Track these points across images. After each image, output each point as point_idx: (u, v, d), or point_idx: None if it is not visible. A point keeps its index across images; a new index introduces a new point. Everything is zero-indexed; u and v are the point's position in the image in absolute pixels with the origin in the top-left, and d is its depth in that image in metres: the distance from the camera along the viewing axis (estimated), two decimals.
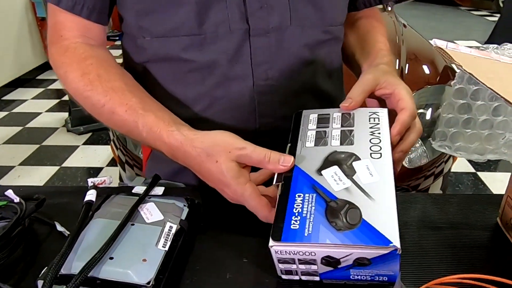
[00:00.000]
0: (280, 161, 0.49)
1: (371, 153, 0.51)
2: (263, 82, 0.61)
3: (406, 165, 1.52)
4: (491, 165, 2.26)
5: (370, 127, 0.54)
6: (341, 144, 0.52)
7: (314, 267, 0.44)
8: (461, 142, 0.68)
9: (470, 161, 2.31)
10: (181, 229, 0.50)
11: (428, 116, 1.69)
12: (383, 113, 0.56)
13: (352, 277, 0.45)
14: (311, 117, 0.58)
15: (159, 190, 0.54)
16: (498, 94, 0.33)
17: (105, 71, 0.57)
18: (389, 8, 2.27)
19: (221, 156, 0.50)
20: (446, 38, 0.52)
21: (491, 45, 0.55)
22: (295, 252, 0.43)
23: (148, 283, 0.41)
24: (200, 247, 0.53)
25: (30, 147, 2.56)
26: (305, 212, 0.45)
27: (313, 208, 0.45)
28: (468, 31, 5.20)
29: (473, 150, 0.69)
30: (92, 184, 0.53)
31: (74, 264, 0.42)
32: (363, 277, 0.45)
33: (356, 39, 0.71)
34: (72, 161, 2.41)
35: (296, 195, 0.47)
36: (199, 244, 0.53)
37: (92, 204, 0.50)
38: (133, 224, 0.48)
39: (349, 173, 0.49)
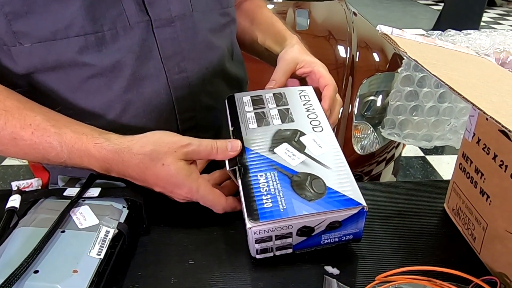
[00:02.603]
0: (228, 148, 0.49)
1: (313, 127, 0.54)
2: (177, 75, 0.57)
3: (358, 152, 1.55)
4: (438, 149, 2.36)
5: (304, 104, 0.58)
6: (283, 122, 0.55)
7: (289, 240, 0.46)
8: (409, 129, 0.69)
9: None
10: (120, 233, 0.46)
11: (379, 103, 1.72)
12: (310, 90, 0.61)
13: (323, 241, 0.47)
14: (244, 100, 0.59)
15: (94, 192, 0.49)
16: (442, 81, 0.32)
17: None
18: None
19: (167, 158, 0.47)
20: (396, 26, 0.51)
21: (435, 32, 0.54)
22: (273, 229, 0.44)
23: None
24: (142, 251, 0.49)
25: None
26: (272, 190, 0.47)
27: (279, 185, 0.47)
28: (415, 20, 5.38)
29: (421, 137, 0.69)
30: (16, 188, 0.47)
31: None
32: (333, 240, 0.48)
33: (253, 23, 0.72)
34: (14, 159, 2.26)
35: (258, 175, 0.48)
36: (142, 247, 0.50)
37: (15, 211, 0.44)
38: (63, 231, 0.43)
39: (300, 148, 0.51)
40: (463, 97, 0.32)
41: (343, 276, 0.47)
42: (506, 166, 0.43)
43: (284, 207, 0.45)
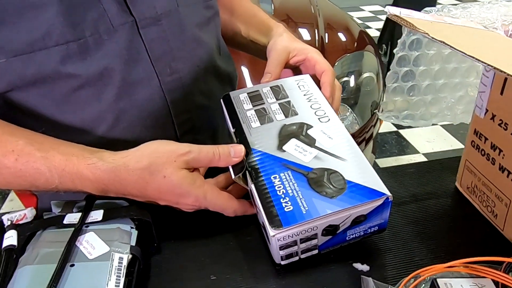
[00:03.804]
0: (231, 153, 0.46)
1: (318, 118, 0.51)
2: (169, 77, 0.53)
3: None
4: None
5: (304, 95, 0.55)
6: (286, 116, 0.52)
7: (314, 241, 0.43)
8: (407, 110, 0.68)
9: None
10: (134, 258, 0.42)
11: (352, 83, 1.72)
12: (308, 78, 0.58)
13: (348, 237, 0.45)
14: (241, 97, 0.56)
15: (97, 215, 0.45)
16: (474, 58, 0.30)
17: None
18: None
19: (167, 169, 0.43)
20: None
21: (433, 8, 0.52)
22: (298, 233, 0.42)
23: None
24: (157, 272, 0.45)
25: None
26: (290, 191, 0.44)
27: (295, 184, 0.44)
28: None
29: (419, 117, 0.68)
30: (9, 222, 0.42)
31: None
32: (358, 234, 0.45)
33: (234, 15, 0.68)
34: None
35: (272, 177, 0.45)
36: (156, 268, 0.46)
37: (14, 249, 0.40)
38: (73, 265, 0.39)
39: (309, 142, 0.48)
40: (495, 67, 0.31)
41: (374, 271, 0.45)
42: None
43: (306, 208, 0.42)
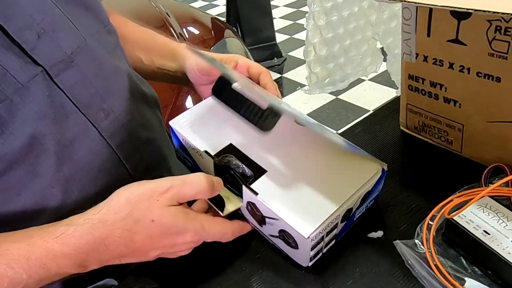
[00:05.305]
0: (215, 185, 0.42)
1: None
2: (105, 121, 0.46)
3: None
4: None
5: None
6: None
7: (334, 231, 0.43)
8: (328, 78, 0.70)
9: None
10: None
11: None
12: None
13: (355, 218, 0.46)
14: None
15: None
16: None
17: None
18: None
19: (153, 211, 0.38)
20: None
21: None
22: (326, 227, 0.41)
23: None
24: None
25: None
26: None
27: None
28: None
29: (338, 80, 0.72)
30: None
31: None
32: (362, 211, 0.46)
33: (127, 43, 0.60)
34: None
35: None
36: None
37: None
38: None
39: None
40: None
41: (389, 233, 0.46)
42: (469, 69, 0.47)
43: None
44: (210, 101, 0.53)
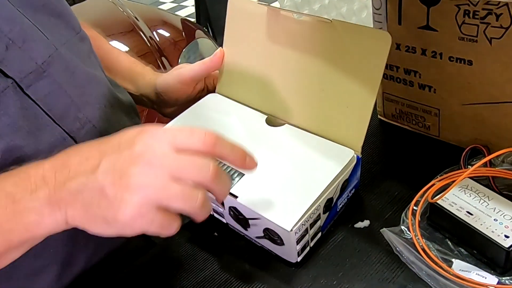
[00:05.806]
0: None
1: None
2: (82, 130, 0.44)
3: None
4: None
5: None
6: None
7: (318, 223, 0.43)
8: None
9: None
10: None
11: None
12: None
13: (338, 208, 0.47)
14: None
15: None
16: None
17: None
18: None
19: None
20: None
21: None
22: (308, 218, 0.41)
23: None
24: None
25: None
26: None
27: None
28: None
29: None
30: None
31: None
32: (344, 202, 0.47)
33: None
34: None
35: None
36: None
37: None
38: None
39: None
40: None
41: (375, 222, 0.47)
42: (441, 54, 0.48)
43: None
44: (190, 112, 0.53)
